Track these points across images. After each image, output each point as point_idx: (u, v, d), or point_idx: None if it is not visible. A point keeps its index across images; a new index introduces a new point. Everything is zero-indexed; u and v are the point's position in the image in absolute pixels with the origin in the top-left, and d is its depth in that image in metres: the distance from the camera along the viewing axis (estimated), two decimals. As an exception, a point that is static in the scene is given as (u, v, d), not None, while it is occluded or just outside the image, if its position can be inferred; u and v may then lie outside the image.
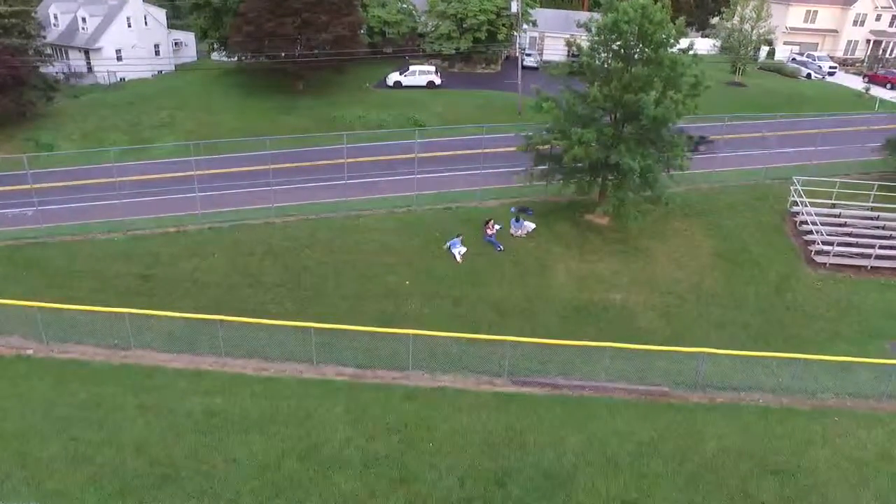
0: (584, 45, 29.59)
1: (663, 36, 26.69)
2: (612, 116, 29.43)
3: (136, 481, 14.75)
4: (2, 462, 15.11)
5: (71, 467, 15.10)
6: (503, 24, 55.18)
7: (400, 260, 28.52)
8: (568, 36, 30.98)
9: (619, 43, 27.89)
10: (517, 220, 30.56)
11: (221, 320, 20.70)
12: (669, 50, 27.44)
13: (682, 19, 28.18)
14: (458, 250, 28.82)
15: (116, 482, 14.69)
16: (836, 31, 72.07)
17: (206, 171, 32.18)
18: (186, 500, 14.29)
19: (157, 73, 57.62)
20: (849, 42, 72.23)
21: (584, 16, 31.60)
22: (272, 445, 16.21)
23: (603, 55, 28.86)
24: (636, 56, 27.86)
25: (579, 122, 28.81)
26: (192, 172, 30.92)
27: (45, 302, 21.44)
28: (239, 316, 21.67)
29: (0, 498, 14.03)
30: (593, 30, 28.45)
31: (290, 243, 29.00)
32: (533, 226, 30.62)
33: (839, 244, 30.10)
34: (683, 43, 28.69)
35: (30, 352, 20.65)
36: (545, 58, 61.07)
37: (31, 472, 14.86)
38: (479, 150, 34.04)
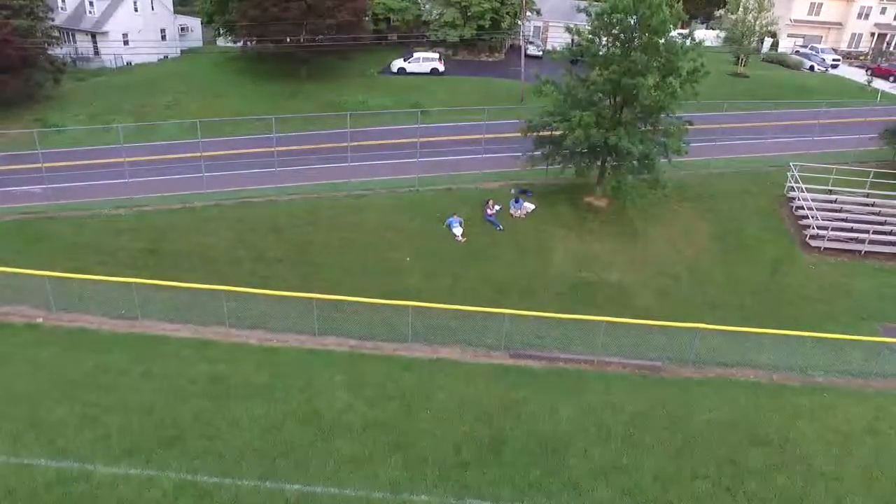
0: (584, 29, 29.89)
1: (660, 20, 26.90)
2: (612, 100, 29.72)
3: (143, 441, 15.11)
4: (14, 423, 15.47)
5: (80, 428, 15.43)
6: (507, 13, 55.41)
7: (401, 238, 28.87)
8: (571, 25, 31.19)
9: (618, 28, 28.11)
10: (517, 201, 30.91)
11: (227, 291, 21.06)
12: (668, 34, 27.68)
13: (679, 4, 28.36)
14: (457, 230, 29.21)
15: (124, 442, 15.05)
16: (840, 23, 72.01)
17: (212, 153, 32.59)
18: (192, 460, 14.62)
19: (163, 57, 57.84)
20: (853, 35, 72.18)
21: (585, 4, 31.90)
22: (274, 410, 16.55)
23: (603, 40, 29.13)
24: (636, 41, 28.11)
25: (579, 106, 29.12)
26: (198, 154, 31.40)
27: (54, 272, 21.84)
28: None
29: (12, 455, 14.42)
30: (592, 15, 28.76)
31: (294, 220, 29.33)
32: (532, 206, 30.96)
33: (834, 229, 30.40)
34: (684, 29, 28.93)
35: (39, 320, 21.02)
36: (548, 47, 61.32)
37: (42, 432, 15.21)
38: (481, 136, 34.39)
